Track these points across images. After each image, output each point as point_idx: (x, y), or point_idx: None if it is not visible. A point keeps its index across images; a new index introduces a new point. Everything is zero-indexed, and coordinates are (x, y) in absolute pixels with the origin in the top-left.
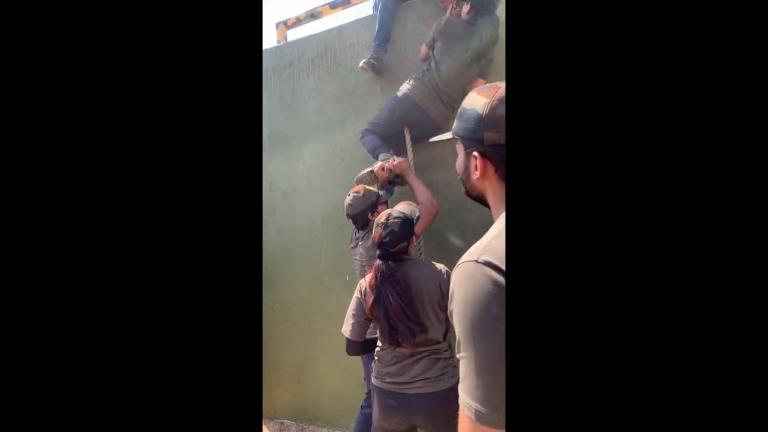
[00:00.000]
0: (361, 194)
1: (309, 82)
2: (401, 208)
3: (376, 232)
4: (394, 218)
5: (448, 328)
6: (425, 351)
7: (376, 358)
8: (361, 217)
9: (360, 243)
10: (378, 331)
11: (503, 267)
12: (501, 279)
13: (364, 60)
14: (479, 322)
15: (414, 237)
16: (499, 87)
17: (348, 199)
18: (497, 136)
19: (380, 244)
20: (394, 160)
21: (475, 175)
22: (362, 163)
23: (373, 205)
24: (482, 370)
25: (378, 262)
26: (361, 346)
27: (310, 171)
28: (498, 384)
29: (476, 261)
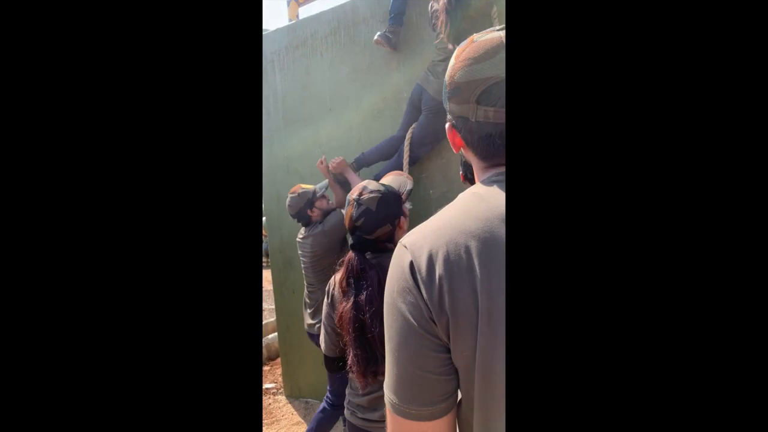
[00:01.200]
0: (296, 194)
1: (323, 60)
2: (388, 179)
3: (347, 212)
4: (371, 192)
5: None
6: None
7: (349, 381)
8: (302, 216)
9: (301, 240)
10: (348, 353)
11: (414, 251)
12: (407, 264)
13: (379, 33)
14: (386, 308)
15: (403, 218)
16: (473, 42)
17: (287, 200)
18: (458, 108)
19: (353, 230)
20: (334, 160)
21: (454, 149)
22: (379, 143)
23: (310, 202)
24: (389, 360)
25: (350, 254)
26: (338, 363)
27: (326, 153)
28: (403, 376)
29: (401, 242)
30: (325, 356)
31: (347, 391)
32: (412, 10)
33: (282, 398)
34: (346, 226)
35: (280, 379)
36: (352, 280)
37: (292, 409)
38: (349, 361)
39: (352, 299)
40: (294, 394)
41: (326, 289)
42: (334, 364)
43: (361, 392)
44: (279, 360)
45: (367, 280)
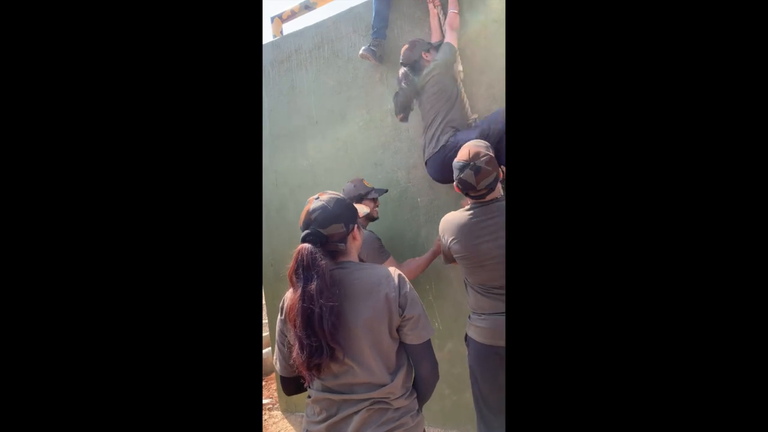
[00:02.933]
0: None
1: (307, 75)
2: (358, 207)
3: (304, 209)
4: (331, 194)
5: (402, 361)
6: (365, 399)
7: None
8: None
9: None
10: (293, 347)
11: None
12: None
13: (364, 47)
14: None
15: (356, 228)
16: None
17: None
18: None
19: (307, 223)
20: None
21: None
22: (365, 154)
23: (360, 196)
24: None
25: (300, 246)
26: (297, 384)
27: (314, 165)
28: None
29: None
30: (282, 377)
31: (304, 419)
32: (393, 24)
33: (278, 413)
34: (301, 221)
35: (276, 394)
36: (301, 271)
37: (288, 425)
38: (293, 355)
39: (300, 290)
40: (290, 409)
41: (279, 305)
42: (291, 386)
43: (316, 418)
44: (273, 375)
45: (318, 270)
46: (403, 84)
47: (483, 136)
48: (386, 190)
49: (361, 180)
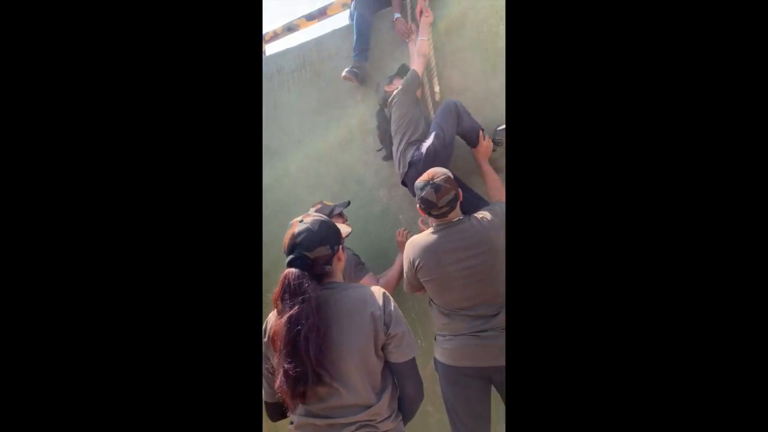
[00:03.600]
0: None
1: (290, 95)
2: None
3: (288, 233)
4: (314, 217)
5: (388, 381)
6: (351, 423)
7: None
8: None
9: None
10: (277, 372)
11: None
12: None
13: (347, 69)
14: None
15: (340, 248)
16: None
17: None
18: None
19: (292, 248)
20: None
21: None
22: (347, 172)
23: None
24: None
25: (287, 271)
26: (282, 409)
27: (296, 184)
28: None
29: None
30: (266, 403)
31: None
32: (373, 46)
33: None
34: (285, 245)
35: None
36: (287, 296)
37: None
38: (276, 383)
39: (286, 315)
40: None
41: (263, 327)
42: (276, 411)
43: None
44: None
45: (305, 294)
46: (377, 123)
47: (440, 138)
48: (349, 202)
49: (321, 201)
